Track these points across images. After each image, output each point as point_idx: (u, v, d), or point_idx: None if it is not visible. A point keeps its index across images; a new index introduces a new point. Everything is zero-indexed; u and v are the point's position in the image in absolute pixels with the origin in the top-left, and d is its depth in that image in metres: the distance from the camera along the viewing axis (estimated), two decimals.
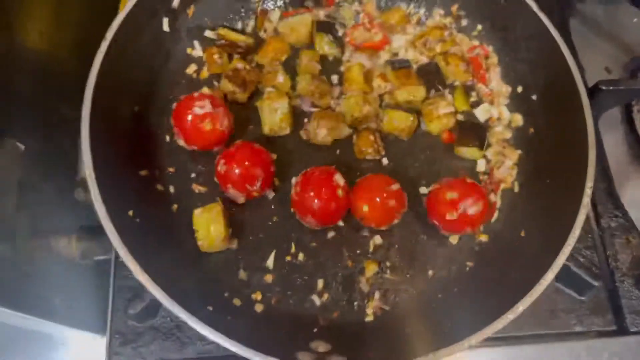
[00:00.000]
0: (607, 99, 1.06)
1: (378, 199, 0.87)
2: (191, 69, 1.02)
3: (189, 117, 0.88)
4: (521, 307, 0.75)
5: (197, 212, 0.87)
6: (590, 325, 0.90)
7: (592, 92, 1.03)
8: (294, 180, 0.90)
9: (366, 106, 0.96)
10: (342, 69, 1.03)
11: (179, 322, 0.86)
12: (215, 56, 1.00)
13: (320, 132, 0.95)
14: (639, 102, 1.14)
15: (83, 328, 0.94)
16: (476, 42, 1.08)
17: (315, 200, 0.85)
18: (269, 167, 0.89)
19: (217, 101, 0.91)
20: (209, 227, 0.85)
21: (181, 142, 0.92)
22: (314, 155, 0.97)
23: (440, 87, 1.03)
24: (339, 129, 0.97)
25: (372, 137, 0.96)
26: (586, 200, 0.82)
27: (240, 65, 0.98)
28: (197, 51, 1.03)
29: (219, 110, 0.90)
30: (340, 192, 0.86)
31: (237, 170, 0.86)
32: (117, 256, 0.90)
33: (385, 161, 0.98)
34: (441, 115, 0.98)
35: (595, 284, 0.89)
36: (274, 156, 0.94)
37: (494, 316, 0.75)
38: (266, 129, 0.97)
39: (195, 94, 0.91)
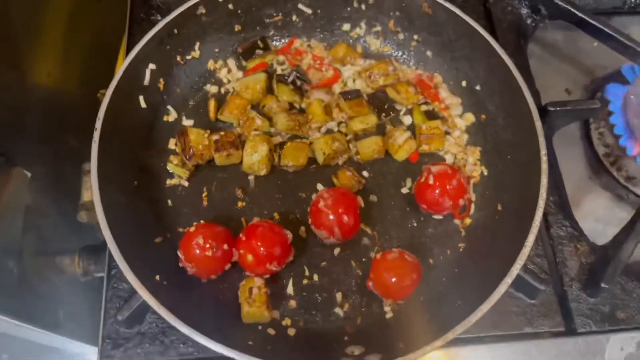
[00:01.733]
0: (559, 119, 1.14)
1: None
2: (172, 143, 1.09)
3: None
4: (509, 279, 0.85)
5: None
6: (540, 326, 0.97)
7: (542, 113, 1.08)
8: (314, 196, 1.00)
9: (335, 143, 1.06)
10: (304, 105, 1.13)
11: (164, 328, 0.94)
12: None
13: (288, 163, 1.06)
14: (596, 120, 1.20)
15: (82, 340, 1.04)
16: (420, 71, 1.19)
17: (343, 216, 0.95)
18: (287, 245, 0.96)
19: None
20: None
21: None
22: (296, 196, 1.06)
23: (391, 112, 1.13)
24: (304, 156, 1.07)
25: (349, 173, 1.06)
26: (544, 179, 0.93)
27: (216, 136, 1.05)
28: (172, 115, 1.11)
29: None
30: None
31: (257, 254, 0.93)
32: (109, 270, 0.99)
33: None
34: (402, 144, 1.08)
35: (542, 288, 0.96)
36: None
37: (490, 289, 0.85)
38: (245, 167, 1.06)
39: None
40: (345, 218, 0.95)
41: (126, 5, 1.26)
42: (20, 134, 1.04)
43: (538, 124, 0.98)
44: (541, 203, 0.91)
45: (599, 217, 1.14)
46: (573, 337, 0.98)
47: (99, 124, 0.95)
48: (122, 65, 1.01)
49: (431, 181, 0.99)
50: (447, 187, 0.99)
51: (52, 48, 1.18)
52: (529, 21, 1.33)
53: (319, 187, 1.06)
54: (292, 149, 1.06)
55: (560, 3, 1.25)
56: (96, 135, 0.95)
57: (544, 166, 0.94)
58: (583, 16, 1.22)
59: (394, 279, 0.92)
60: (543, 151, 0.95)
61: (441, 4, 1.10)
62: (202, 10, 1.10)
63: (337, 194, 0.98)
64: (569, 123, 1.21)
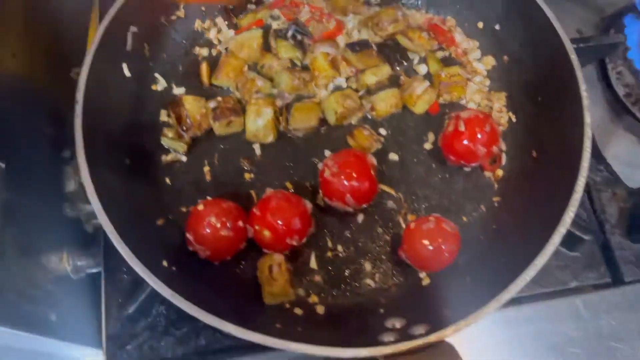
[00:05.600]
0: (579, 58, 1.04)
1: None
2: (163, 115, 0.98)
3: None
4: (563, 229, 0.76)
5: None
6: (585, 279, 0.91)
7: None
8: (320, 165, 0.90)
9: (347, 100, 0.96)
10: (307, 62, 1.01)
11: (174, 321, 0.87)
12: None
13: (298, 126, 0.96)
14: (612, 59, 1.13)
15: (81, 342, 0.93)
16: (431, 15, 1.09)
17: (353, 182, 0.85)
18: (307, 217, 0.86)
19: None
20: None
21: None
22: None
23: (404, 61, 1.03)
24: (314, 118, 0.97)
25: (366, 132, 0.95)
26: (587, 117, 0.84)
27: (213, 103, 0.94)
28: (160, 84, 1.00)
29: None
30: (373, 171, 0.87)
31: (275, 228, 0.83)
32: (107, 263, 0.91)
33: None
34: (421, 94, 0.98)
35: (586, 237, 0.89)
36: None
37: (539, 242, 0.76)
38: (249, 136, 0.96)
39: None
40: (356, 183, 0.85)
41: None
42: None
43: (574, 57, 0.88)
44: (587, 143, 0.82)
45: (625, 160, 1.07)
46: (621, 287, 0.92)
47: (79, 96, 0.83)
48: (99, 28, 0.88)
49: (462, 128, 0.90)
50: (480, 133, 0.89)
51: (13, 26, 1.01)
52: None
53: (327, 153, 0.96)
54: (301, 111, 0.95)
55: None
56: (78, 108, 0.82)
57: (586, 102, 0.85)
58: None
59: (431, 252, 0.82)
60: (583, 87, 0.86)
61: None
62: None
63: (343, 158, 0.87)
64: (587, 64, 1.12)
